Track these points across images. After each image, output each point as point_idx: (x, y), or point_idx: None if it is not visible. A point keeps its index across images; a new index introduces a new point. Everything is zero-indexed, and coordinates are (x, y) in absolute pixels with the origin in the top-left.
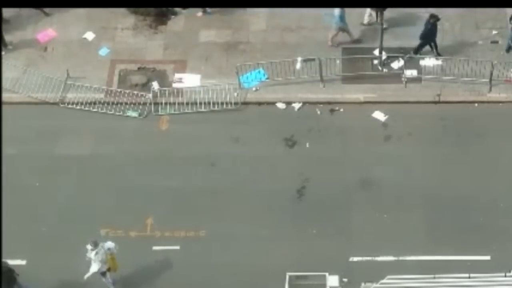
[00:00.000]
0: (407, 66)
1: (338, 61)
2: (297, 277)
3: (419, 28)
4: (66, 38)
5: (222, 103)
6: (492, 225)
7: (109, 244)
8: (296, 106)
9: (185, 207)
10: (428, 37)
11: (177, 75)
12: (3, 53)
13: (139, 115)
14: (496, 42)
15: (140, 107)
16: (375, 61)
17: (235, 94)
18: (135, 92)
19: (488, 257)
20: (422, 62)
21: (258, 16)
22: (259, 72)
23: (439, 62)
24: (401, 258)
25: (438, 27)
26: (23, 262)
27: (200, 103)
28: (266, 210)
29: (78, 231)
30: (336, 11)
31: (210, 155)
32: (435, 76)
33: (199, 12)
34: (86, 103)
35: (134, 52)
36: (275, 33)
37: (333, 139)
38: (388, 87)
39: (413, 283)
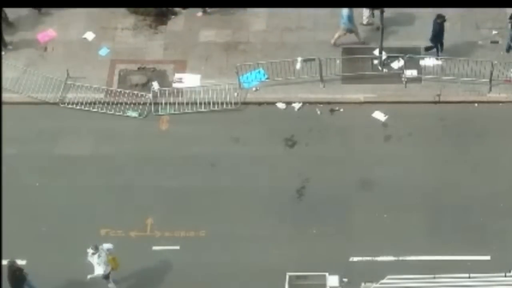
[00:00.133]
0: (407, 66)
1: (338, 61)
2: (297, 277)
3: (419, 28)
4: (66, 38)
5: (222, 103)
6: (492, 225)
7: (108, 245)
8: (296, 106)
9: (185, 207)
10: (438, 37)
11: (177, 75)
12: (3, 53)
13: (139, 115)
14: (496, 42)
15: (140, 107)
16: (375, 61)
17: (235, 94)
18: (135, 92)
19: (488, 257)
20: (422, 62)
21: (258, 16)
22: (259, 72)
23: (439, 62)
24: (401, 258)
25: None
26: (23, 262)
27: (200, 103)
28: (266, 210)
29: (78, 231)
30: (344, 11)
31: (210, 155)
32: (435, 76)
33: (199, 12)
34: (86, 103)
35: (134, 52)
36: (275, 33)
37: (333, 139)
38: (388, 87)
39: (413, 283)
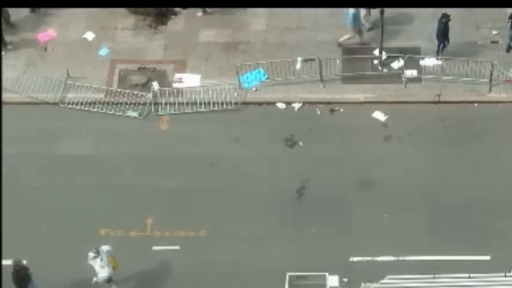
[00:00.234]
0: (407, 66)
1: (338, 61)
2: (297, 277)
3: (419, 28)
4: (66, 38)
5: (222, 103)
6: (492, 225)
7: (106, 247)
8: (296, 106)
9: (185, 207)
10: (443, 36)
11: (177, 75)
12: (3, 53)
13: (139, 115)
14: (496, 42)
15: (140, 107)
16: (375, 61)
17: (235, 94)
18: (135, 92)
19: (488, 257)
20: (422, 62)
21: (258, 16)
22: (259, 72)
23: (439, 62)
24: (401, 258)
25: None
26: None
27: (200, 103)
28: (266, 210)
29: (78, 231)
30: (351, 10)
31: (210, 155)
32: (435, 76)
33: (199, 12)
34: (86, 103)
35: (134, 52)
36: (275, 33)
37: (333, 139)
38: (388, 87)
39: (413, 283)
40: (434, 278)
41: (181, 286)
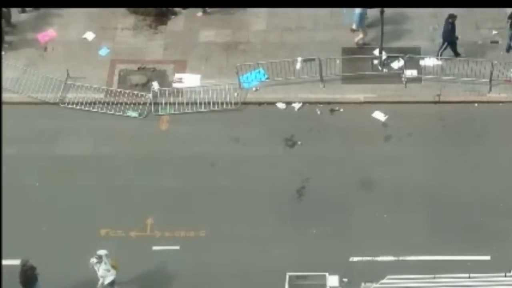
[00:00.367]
0: (407, 66)
1: (338, 61)
2: (297, 277)
3: (419, 28)
4: (66, 38)
5: (222, 103)
6: (492, 225)
7: (104, 251)
8: (296, 106)
9: (185, 207)
10: (449, 36)
11: (177, 75)
12: (3, 53)
13: (139, 115)
14: (496, 42)
15: (140, 107)
16: (375, 61)
17: (235, 94)
18: (135, 92)
19: (488, 257)
20: (422, 62)
21: (258, 16)
22: (259, 72)
23: (439, 62)
24: (401, 258)
25: (436, 26)
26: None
27: (200, 103)
28: (266, 210)
29: (78, 231)
30: (357, 10)
31: (210, 155)
32: (435, 76)
33: (199, 12)
34: (86, 103)
35: (134, 52)
36: (275, 33)
37: (333, 139)
38: (388, 87)
39: (413, 283)
40: (434, 278)
41: (181, 286)
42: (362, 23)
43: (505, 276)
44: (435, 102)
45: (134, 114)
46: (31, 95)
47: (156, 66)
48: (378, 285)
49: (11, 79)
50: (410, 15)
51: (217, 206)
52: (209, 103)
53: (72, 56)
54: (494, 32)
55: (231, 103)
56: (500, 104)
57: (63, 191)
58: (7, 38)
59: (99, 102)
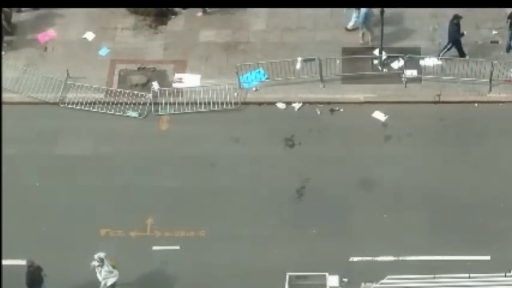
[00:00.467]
0: (407, 66)
1: (338, 61)
2: (297, 277)
3: (419, 28)
4: (66, 38)
5: (222, 103)
6: (492, 225)
7: (102, 253)
8: (296, 106)
9: (185, 207)
10: (455, 37)
11: (177, 75)
12: (3, 53)
13: (139, 115)
14: (496, 42)
15: (140, 107)
16: (375, 61)
17: (235, 94)
18: (135, 92)
19: (488, 257)
20: (422, 62)
21: (258, 16)
22: (259, 72)
23: (439, 62)
24: (401, 258)
25: (436, 26)
26: (23, 262)
27: (200, 103)
28: (266, 210)
29: (78, 231)
30: (363, 10)
31: (210, 155)
32: (435, 76)
33: (199, 12)
34: (86, 103)
35: (134, 52)
36: (275, 33)
37: (333, 139)
38: (388, 87)
39: (413, 283)
40: (434, 278)
41: (181, 286)
42: (368, 23)
43: (505, 276)
44: (435, 102)
45: (134, 114)
46: (31, 95)
47: (156, 66)
48: (378, 285)
49: (11, 79)
50: (410, 15)
51: (217, 206)
52: (209, 103)
53: (72, 56)
54: (494, 32)
55: (231, 103)
56: (500, 104)
57: (63, 191)
58: (7, 38)
59: (99, 102)
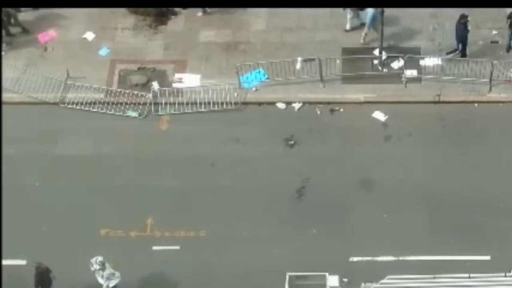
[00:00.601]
0: (407, 66)
1: (338, 61)
2: (297, 277)
3: (419, 28)
4: (66, 38)
5: (222, 103)
6: (492, 225)
7: (100, 257)
8: (296, 106)
9: (185, 207)
10: (461, 37)
11: (177, 75)
12: (3, 53)
13: (139, 115)
14: (496, 42)
15: (140, 107)
16: (375, 61)
17: (235, 94)
18: (135, 92)
19: (488, 257)
20: (422, 62)
21: (258, 16)
22: (259, 72)
23: (439, 62)
24: (401, 258)
25: (436, 26)
26: (23, 262)
27: (200, 103)
28: (266, 210)
29: (78, 231)
30: (370, 10)
31: (210, 155)
32: (435, 76)
33: (199, 12)
34: (86, 103)
35: (134, 52)
36: (275, 33)
37: (333, 139)
38: (388, 87)
39: (413, 283)
40: (434, 278)
41: (181, 286)
42: (375, 24)
43: (505, 276)
44: (435, 102)
45: (134, 114)
46: (31, 95)
47: (156, 66)
48: (378, 285)
49: (11, 79)
50: (410, 15)
51: (217, 206)
52: (209, 103)
53: (72, 56)
54: (494, 32)
55: (231, 103)
56: (500, 104)
57: (63, 191)
58: (6, 39)
59: (99, 102)
